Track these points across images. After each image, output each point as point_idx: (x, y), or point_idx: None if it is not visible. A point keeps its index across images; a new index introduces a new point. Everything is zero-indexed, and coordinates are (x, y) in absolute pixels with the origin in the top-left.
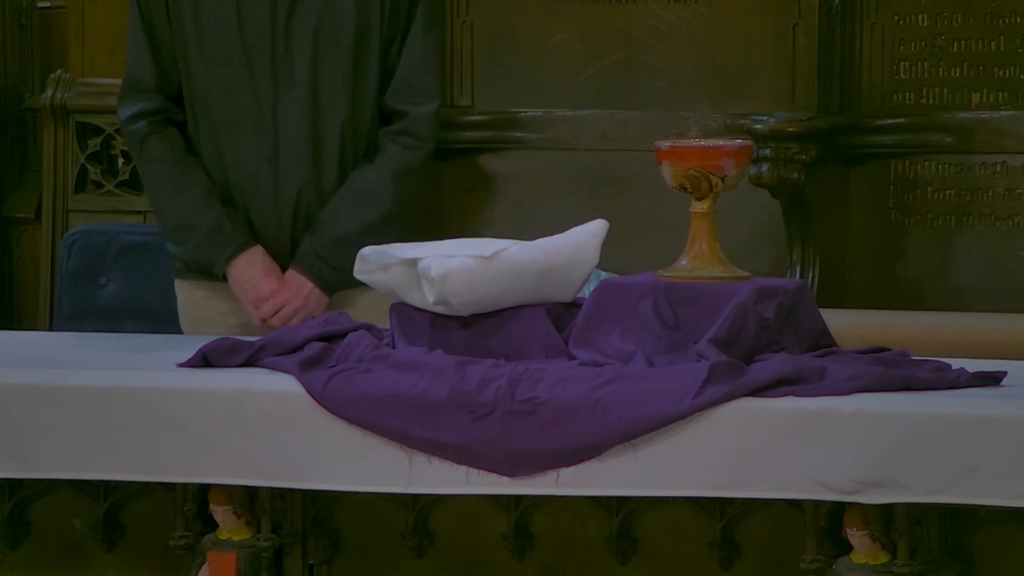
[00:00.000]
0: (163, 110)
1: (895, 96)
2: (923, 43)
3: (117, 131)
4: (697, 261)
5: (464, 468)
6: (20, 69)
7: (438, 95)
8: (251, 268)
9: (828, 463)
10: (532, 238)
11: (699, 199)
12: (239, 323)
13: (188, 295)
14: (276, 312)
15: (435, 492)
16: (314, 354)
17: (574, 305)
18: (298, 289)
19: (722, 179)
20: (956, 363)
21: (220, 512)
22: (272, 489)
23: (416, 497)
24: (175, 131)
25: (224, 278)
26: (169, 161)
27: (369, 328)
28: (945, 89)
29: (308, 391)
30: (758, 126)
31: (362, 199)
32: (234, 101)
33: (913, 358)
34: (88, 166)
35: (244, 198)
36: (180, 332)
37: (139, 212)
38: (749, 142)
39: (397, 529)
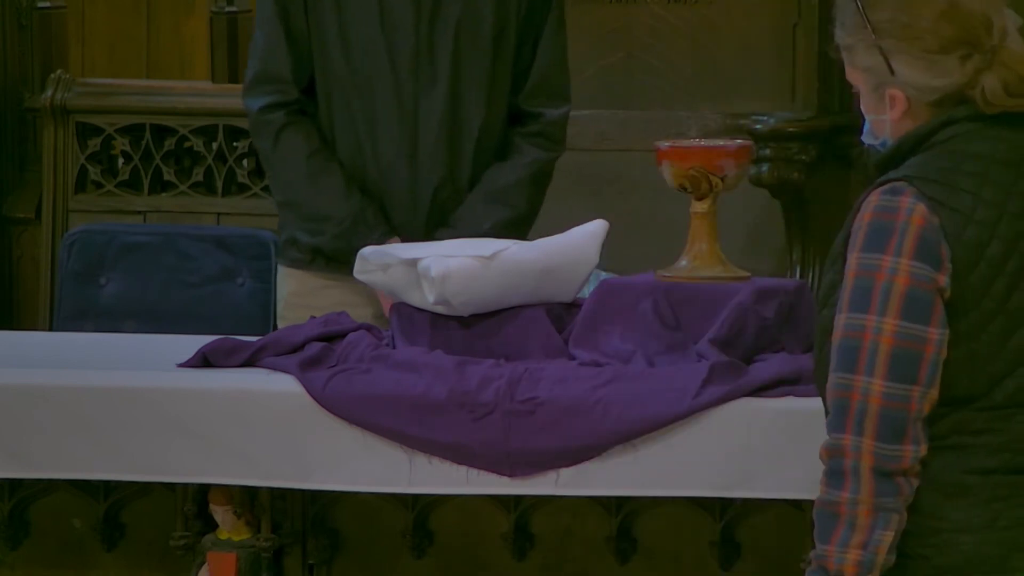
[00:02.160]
0: (298, 101)
1: None
2: None
3: (117, 131)
4: (697, 261)
5: (464, 468)
6: (20, 69)
7: (570, 97)
8: None
9: None
10: (532, 238)
11: (699, 199)
12: (356, 315)
13: (301, 284)
14: None
15: (435, 492)
16: (314, 354)
17: (574, 305)
18: None
19: (722, 179)
20: None
21: (220, 512)
22: (272, 489)
23: (416, 497)
24: (310, 122)
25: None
26: (308, 151)
27: (369, 328)
28: None
29: (308, 391)
30: (758, 126)
31: (501, 198)
32: (375, 97)
33: None
34: (88, 166)
35: (380, 193)
36: (179, 332)
37: (139, 212)
38: (749, 142)
39: (397, 529)
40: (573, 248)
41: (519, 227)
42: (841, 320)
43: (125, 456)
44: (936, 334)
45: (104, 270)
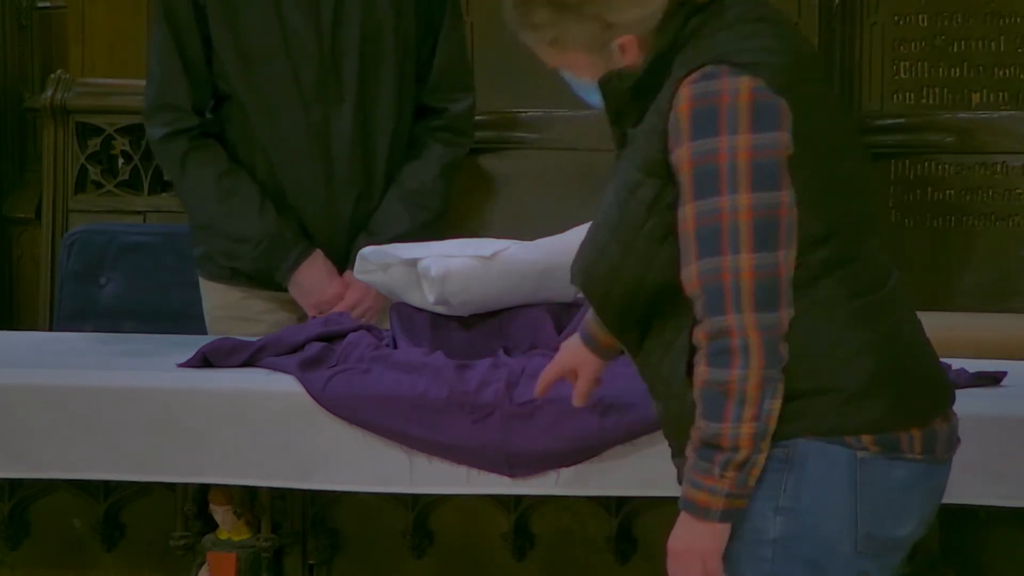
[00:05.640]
0: (199, 125)
1: (895, 96)
2: (923, 43)
3: (117, 131)
4: None
5: (464, 468)
6: (20, 69)
7: (473, 88)
8: (317, 273)
9: None
10: (532, 238)
11: None
12: (277, 321)
13: (224, 298)
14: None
15: (435, 492)
16: (314, 354)
17: (574, 305)
18: (367, 289)
19: None
20: (956, 363)
21: (220, 512)
22: (272, 489)
23: (416, 497)
24: (215, 143)
25: (277, 284)
26: (216, 174)
27: (369, 328)
28: (945, 89)
29: (308, 391)
30: None
31: (417, 198)
32: (284, 121)
33: None
34: (88, 166)
35: (298, 210)
36: (179, 332)
37: (139, 212)
38: None
39: (397, 529)
40: (573, 248)
41: (436, 225)
42: (689, 210)
43: (125, 456)
44: (788, 196)
45: (104, 270)
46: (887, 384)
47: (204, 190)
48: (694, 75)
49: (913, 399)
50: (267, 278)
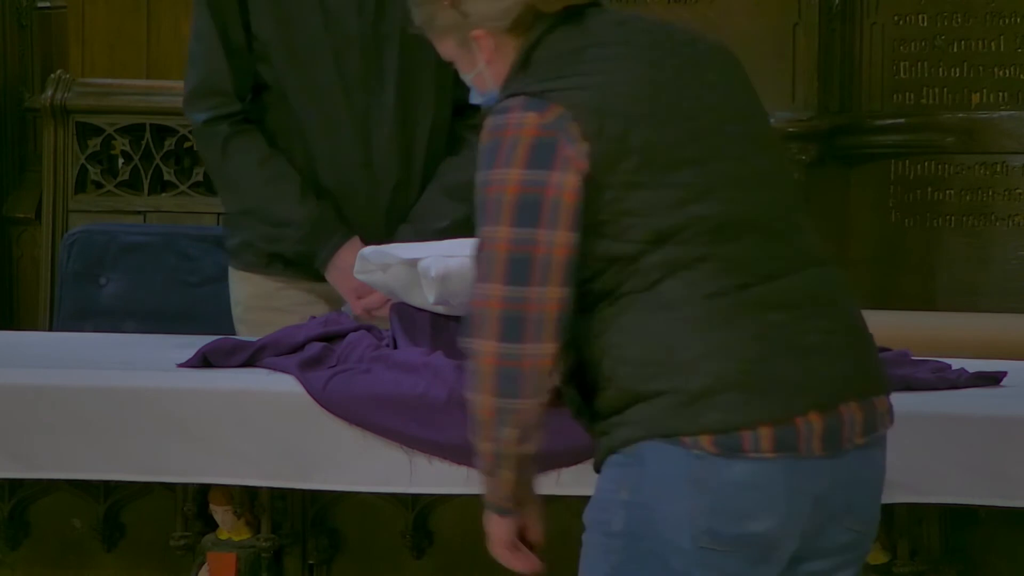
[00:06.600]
0: (241, 111)
1: (895, 96)
2: (923, 43)
3: (117, 131)
4: None
5: (464, 468)
6: (20, 69)
7: None
8: (355, 258)
9: None
10: None
11: None
12: (312, 314)
13: (260, 288)
14: (385, 302)
15: (435, 492)
16: (314, 354)
17: None
18: None
19: None
20: (956, 363)
21: (220, 512)
22: (272, 489)
23: (416, 497)
24: (256, 129)
25: (315, 272)
26: (259, 159)
27: (369, 328)
28: (945, 89)
29: (308, 391)
30: None
31: (459, 193)
32: (325, 105)
33: (913, 358)
34: (88, 166)
35: (337, 197)
36: (178, 332)
37: (139, 212)
38: None
39: (397, 529)
40: None
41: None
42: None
43: (125, 456)
44: (548, 235)
45: (104, 270)
46: (734, 385)
47: (247, 174)
48: (497, 105)
49: (765, 398)
50: (306, 264)
